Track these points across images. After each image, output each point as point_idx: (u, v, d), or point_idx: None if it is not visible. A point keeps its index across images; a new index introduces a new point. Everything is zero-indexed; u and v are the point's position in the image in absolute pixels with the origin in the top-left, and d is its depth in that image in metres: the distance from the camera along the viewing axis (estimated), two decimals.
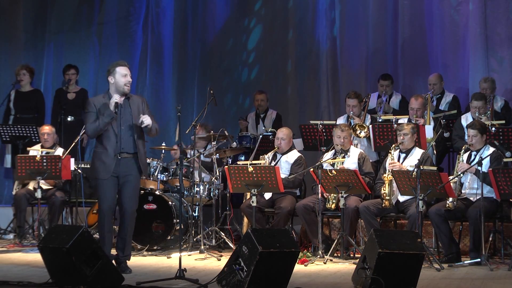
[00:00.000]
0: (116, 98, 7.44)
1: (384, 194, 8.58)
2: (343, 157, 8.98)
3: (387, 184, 8.57)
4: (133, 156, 7.55)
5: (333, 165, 8.92)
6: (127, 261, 7.64)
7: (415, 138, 8.93)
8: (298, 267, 7.56)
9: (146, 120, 7.47)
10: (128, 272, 7.47)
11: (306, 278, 7.34)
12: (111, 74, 7.55)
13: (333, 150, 9.21)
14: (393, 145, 8.85)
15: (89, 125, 7.52)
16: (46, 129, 10.33)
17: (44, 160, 9.50)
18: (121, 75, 7.49)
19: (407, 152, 8.86)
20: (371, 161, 9.42)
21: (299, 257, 7.49)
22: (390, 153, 8.78)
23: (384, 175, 8.64)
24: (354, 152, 9.15)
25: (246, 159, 9.80)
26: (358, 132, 9.53)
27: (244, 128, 11.29)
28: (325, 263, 8.31)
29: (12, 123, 11.05)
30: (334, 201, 8.81)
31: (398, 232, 7.28)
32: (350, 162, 9.05)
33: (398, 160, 8.82)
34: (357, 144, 9.50)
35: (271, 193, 9.18)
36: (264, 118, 11.35)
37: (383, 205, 8.60)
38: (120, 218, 7.74)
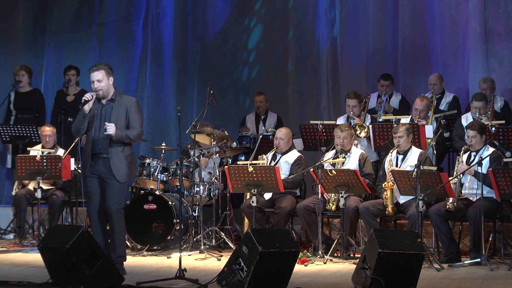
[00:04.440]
0: (86, 96, 7.48)
1: (387, 202, 8.57)
2: (344, 157, 8.97)
3: (388, 191, 8.55)
4: (110, 158, 7.49)
5: (333, 165, 8.92)
6: (123, 262, 7.51)
7: (411, 138, 8.91)
8: (298, 267, 7.55)
9: (109, 129, 7.40)
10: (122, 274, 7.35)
11: (306, 278, 7.34)
12: None
13: (334, 150, 9.21)
14: (391, 150, 8.85)
15: (73, 123, 7.60)
16: (48, 130, 10.30)
17: (44, 160, 9.50)
18: (91, 82, 7.58)
19: (404, 153, 8.85)
20: (371, 161, 9.41)
21: (299, 257, 7.49)
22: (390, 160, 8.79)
23: (385, 183, 8.62)
24: (355, 153, 9.13)
25: (246, 159, 9.80)
26: (358, 132, 9.53)
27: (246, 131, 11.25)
28: (325, 263, 8.31)
29: (13, 123, 11.04)
30: (334, 202, 8.81)
31: (398, 232, 7.27)
32: (351, 162, 9.03)
33: (396, 162, 8.82)
34: (357, 144, 9.49)
35: (271, 193, 9.18)
36: (265, 119, 11.33)
37: (386, 212, 8.59)
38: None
